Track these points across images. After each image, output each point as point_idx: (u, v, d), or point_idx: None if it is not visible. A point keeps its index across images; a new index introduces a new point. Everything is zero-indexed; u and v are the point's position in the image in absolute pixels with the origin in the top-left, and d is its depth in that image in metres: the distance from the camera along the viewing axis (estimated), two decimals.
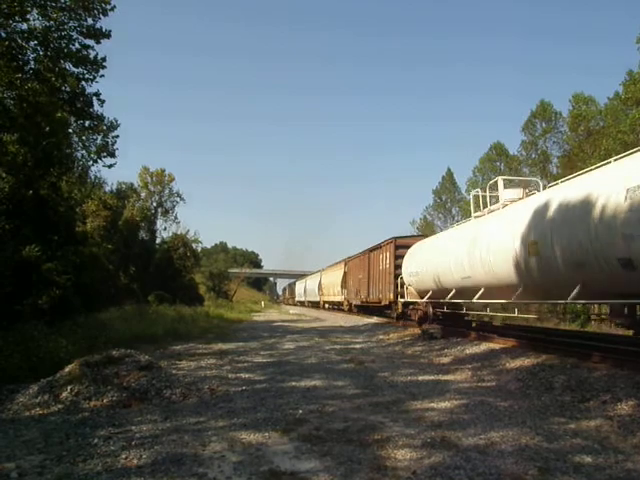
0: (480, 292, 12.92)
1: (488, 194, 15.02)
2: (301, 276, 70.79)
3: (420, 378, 9.39)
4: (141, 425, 6.07)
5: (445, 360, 11.73)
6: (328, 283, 43.95)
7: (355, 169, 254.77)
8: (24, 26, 13.43)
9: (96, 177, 33.64)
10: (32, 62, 14.12)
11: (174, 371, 9.28)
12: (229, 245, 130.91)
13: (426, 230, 51.99)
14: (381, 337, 17.84)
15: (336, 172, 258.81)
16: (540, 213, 10.34)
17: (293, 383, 8.84)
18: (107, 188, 36.21)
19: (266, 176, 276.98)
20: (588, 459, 4.79)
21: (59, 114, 14.82)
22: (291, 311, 47.96)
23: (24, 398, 7.19)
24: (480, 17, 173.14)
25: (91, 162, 19.40)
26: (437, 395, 7.78)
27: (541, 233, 10.06)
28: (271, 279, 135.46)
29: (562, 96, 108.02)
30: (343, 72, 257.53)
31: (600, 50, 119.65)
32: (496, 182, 14.62)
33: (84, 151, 18.71)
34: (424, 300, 17.71)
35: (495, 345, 12.36)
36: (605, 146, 27.83)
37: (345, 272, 35.89)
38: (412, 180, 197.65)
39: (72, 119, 16.55)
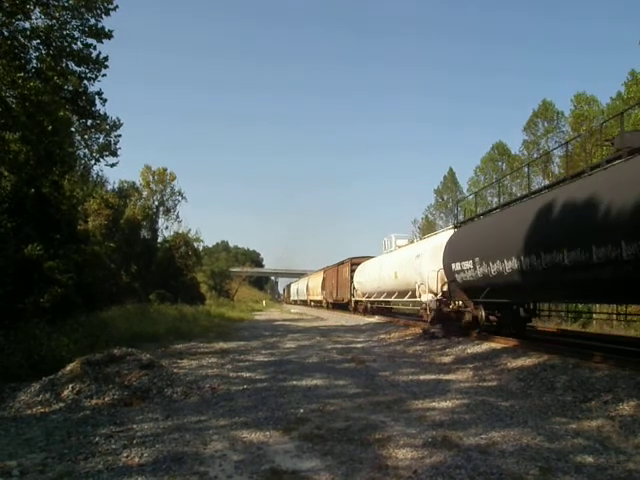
0: (384, 295, 26.05)
1: (394, 238, 28.24)
2: (302, 275, 74.66)
3: (421, 377, 9.39)
4: (142, 424, 6.08)
5: (446, 359, 11.73)
6: (312, 286, 53.51)
7: (360, 166, 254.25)
8: (26, 25, 13.44)
9: (98, 176, 33.73)
10: (34, 61, 14.12)
11: (175, 370, 9.29)
12: (230, 244, 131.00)
13: (427, 229, 52.07)
14: (382, 336, 17.84)
15: (341, 170, 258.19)
16: (401, 256, 23.22)
17: (294, 382, 8.85)
18: (109, 187, 36.37)
19: (268, 175, 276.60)
20: (589, 459, 4.79)
21: (61, 113, 14.82)
22: (292, 310, 47.99)
23: (26, 396, 7.21)
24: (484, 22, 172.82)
25: (93, 161, 19.44)
26: (438, 395, 7.78)
27: (399, 267, 22.67)
28: (272, 278, 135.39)
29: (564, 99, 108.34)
30: (343, 72, 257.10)
31: (601, 56, 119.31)
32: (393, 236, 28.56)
33: (86, 150, 18.75)
34: (365, 299, 31.03)
35: (496, 345, 12.35)
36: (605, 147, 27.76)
37: (324, 278, 45.91)
38: (417, 178, 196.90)
39: (74, 118, 16.56)
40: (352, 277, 33.14)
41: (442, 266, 16.32)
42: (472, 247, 14.01)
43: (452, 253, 15.49)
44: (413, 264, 20.25)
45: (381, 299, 26.85)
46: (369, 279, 28.74)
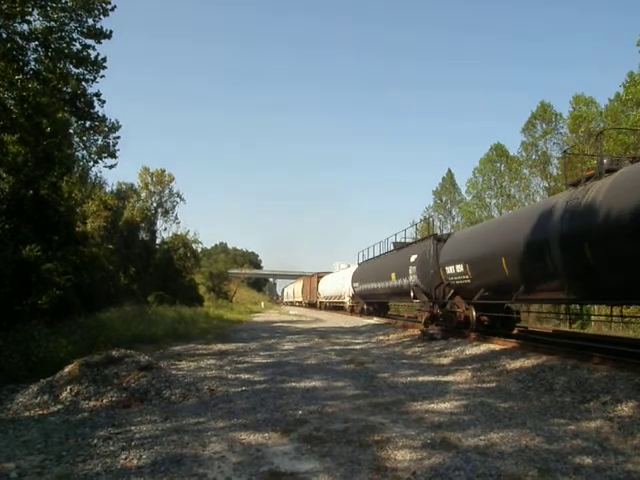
0: (331, 297, 43.81)
1: (337, 265, 47.16)
2: (300, 276, 78.55)
3: (420, 379, 9.38)
4: (141, 425, 6.07)
5: (445, 361, 11.73)
6: (296, 290, 69.44)
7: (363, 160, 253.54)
8: (25, 27, 13.44)
9: (97, 177, 33.66)
10: (33, 63, 14.13)
11: (174, 372, 9.28)
12: (229, 246, 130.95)
13: (426, 231, 52.05)
14: (381, 338, 17.84)
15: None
16: (337, 276, 42.52)
17: (293, 384, 8.84)
18: (107, 188, 36.26)
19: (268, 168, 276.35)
20: (588, 460, 4.79)
21: (60, 115, 14.82)
22: (291, 312, 47.94)
23: (24, 398, 7.19)
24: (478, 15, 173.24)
25: (92, 163, 19.41)
26: (437, 396, 7.78)
27: (336, 282, 41.15)
28: (271, 280, 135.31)
29: (563, 93, 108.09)
30: (346, 61, 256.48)
31: (600, 49, 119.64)
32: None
33: (85, 152, 18.72)
34: (324, 300, 46.66)
35: (495, 346, 12.35)
36: (606, 147, 27.83)
37: (303, 285, 62.33)
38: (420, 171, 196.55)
39: (73, 120, 16.56)
40: (318, 286, 50.05)
41: (350, 284, 34.16)
42: (367, 274, 29.44)
43: (356, 278, 32.59)
44: (341, 282, 38.80)
45: (330, 300, 44.72)
46: (326, 288, 46.42)
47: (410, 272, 19.78)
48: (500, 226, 14.40)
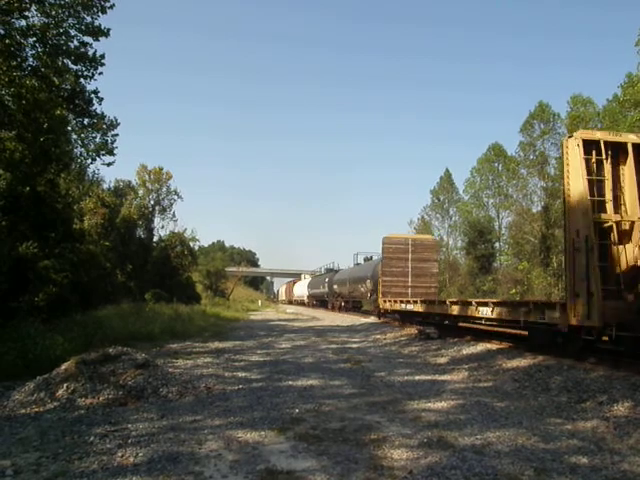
0: (302, 297, 63.70)
1: (303, 276, 74.64)
2: (297, 275, 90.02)
3: (417, 378, 9.40)
4: (137, 423, 6.06)
5: (442, 360, 11.74)
6: (282, 291, 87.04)
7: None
8: (22, 23, 13.39)
9: (94, 175, 33.54)
10: (31, 59, 14.08)
11: (170, 369, 9.27)
12: (226, 244, 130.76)
13: (423, 230, 52.14)
14: (378, 337, 17.85)
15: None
16: (302, 283, 66.01)
17: (290, 382, 8.85)
18: (105, 186, 36.13)
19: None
20: (584, 460, 4.80)
21: (58, 111, 14.77)
22: (288, 310, 47.95)
23: (20, 395, 7.17)
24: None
25: (90, 160, 19.35)
26: (434, 395, 7.79)
27: (302, 287, 63.26)
28: (268, 278, 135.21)
29: (560, 91, 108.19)
30: (350, 61, 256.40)
31: (598, 46, 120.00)
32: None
33: (83, 149, 18.67)
34: (297, 298, 67.27)
35: (492, 345, 12.38)
36: None
37: (286, 287, 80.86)
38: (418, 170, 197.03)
39: (71, 117, 16.50)
40: (292, 289, 71.85)
41: (307, 290, 58.18)
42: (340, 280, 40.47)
43: (334, 282, 42.56)
44: (303, 288, 60.73)
45: (297, 299, 66.08)
46: (296, 291, 67.88)
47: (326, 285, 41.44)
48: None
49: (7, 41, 12.86)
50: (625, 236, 9.62)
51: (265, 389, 8.23)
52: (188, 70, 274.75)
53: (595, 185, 9.69)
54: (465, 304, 14.28)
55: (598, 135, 10.00)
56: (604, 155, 9.77)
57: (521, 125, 41.12)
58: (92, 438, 5.44)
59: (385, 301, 23.19)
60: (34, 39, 13.68)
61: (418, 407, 7.00)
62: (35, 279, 14.51)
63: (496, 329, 14.85)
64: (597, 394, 7.30)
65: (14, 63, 13.17)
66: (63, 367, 7.73)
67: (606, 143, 9.84)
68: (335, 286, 41.80)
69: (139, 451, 5.00)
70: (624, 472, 4.50)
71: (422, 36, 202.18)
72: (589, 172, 9.54)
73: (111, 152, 18.07)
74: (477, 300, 14.10)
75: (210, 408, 6.89)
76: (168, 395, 7.50)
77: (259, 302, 69.41)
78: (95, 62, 15.08)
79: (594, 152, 9.78)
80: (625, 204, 9.94)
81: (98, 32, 14.62)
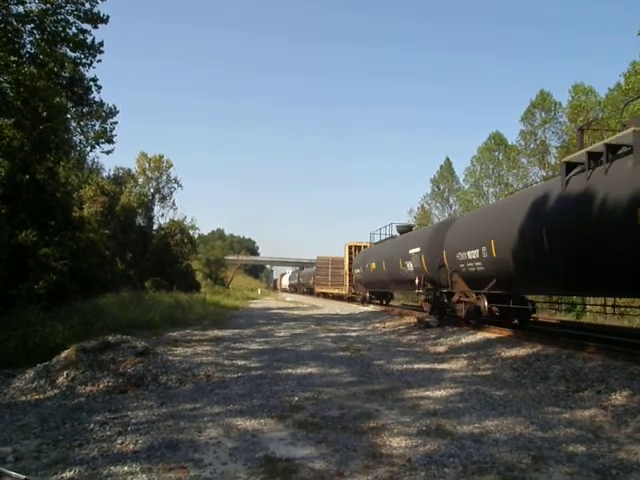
0: (288, 286, 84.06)
1: (290, 270, 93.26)
2: (297, 264, 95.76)
3: (415, 366, 9.43)
4: (137, 411, 6.08)
5: (441, 349, 11.78)
6: (278, 281, 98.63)
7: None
8: (20, 9, 13.26)
9: (94, 162, 33.43)
10: (29, 46, 13.96)
11: (170, 357, 9.29)
12: (226, 232, 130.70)
13: (423, 219, 52.05)
14: (377, 325, 17.90)
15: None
16: (285, 277, 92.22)
17: (289, 370, 8.88)
18: (104, 174, 35.99)
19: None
20: (582, 448, 4.83)
21: (57, 99, 14.67)
22: (287, 299, 48.10)
23: (20, 383, 7.19)
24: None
25: (89, 148, 19.29)
26: (432, 383, 7.82)
27: (288, 278, 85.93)
28: (268, 267, 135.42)
29: (561, 84, 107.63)
30: (351, 53, 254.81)
31: (599, 39, 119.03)
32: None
33: (82, 137, 18.61)
34: (285, 287, 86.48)
35: (491, 334, 12.41)
36: (606, 137, 27.74)
37: (278, 278, 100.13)
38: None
39: (70, 105, 16.42)
40: (281, 280, 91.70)
41: (288, 280, 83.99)
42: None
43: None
44: (287, 279, 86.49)
45: (284, 288, 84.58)
46: (284, 281, 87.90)
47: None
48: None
49: (4, 26, 12.74)
50: None
51: (264, 377, 8.26)
52: (188, 59, 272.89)
53: None
54: None
55: None
56: None
57: (522, 114, 40.91)
58: (92, 425, 5.46)
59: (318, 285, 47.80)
60: (32, 25, 13.55)
61: (417, 395, 7.03)
62: (35, 267, 14.50)
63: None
64: (595, 383, 7.33)
65: (12, 49, 13.04)
66: (63, 355, 7.75)
67: None
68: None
69: (139, 438, 5.02)
70: (621, 460, 4.52)
71: (422, 29, 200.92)
72: None
73: (110, 140, 18.01)
74: None
75: (209, 396, 6.92)
76: (168, 383, 7.53)
77: (259, 290, 69.59)
78: (94, 49, 14.97)
79: None
80: None
81: (97, 19, 14.49)
